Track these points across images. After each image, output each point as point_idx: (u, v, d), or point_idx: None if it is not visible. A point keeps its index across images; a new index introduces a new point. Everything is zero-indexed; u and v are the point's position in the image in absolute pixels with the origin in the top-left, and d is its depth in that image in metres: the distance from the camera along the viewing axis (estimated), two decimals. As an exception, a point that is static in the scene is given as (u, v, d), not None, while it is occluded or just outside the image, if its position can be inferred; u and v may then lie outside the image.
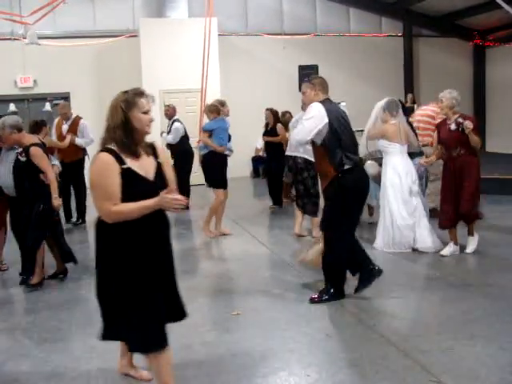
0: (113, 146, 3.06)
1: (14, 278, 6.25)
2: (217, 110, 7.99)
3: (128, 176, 3.02)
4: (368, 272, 5.22)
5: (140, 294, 3.07)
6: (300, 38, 15.83)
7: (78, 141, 9.04)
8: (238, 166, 12.76)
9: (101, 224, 3.12)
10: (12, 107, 13.65)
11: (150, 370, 3.58)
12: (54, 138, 9.30)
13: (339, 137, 5.00)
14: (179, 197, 3.01)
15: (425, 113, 8.61)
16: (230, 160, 8.26)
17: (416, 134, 7.57)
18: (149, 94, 3.18)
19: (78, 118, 9.25)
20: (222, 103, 8.36)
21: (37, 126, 7.36)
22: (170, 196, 2.97)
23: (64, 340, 4.57)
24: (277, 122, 10.15)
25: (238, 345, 4.26)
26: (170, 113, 10.55)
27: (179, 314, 3.35)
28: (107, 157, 3.03)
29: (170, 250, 3.30)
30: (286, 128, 9.61)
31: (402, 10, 16.77)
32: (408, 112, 9.06)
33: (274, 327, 4.59)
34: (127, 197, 3.00)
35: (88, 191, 9.12)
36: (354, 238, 5.23)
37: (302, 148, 7.11)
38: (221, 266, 6.85)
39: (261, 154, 14.65)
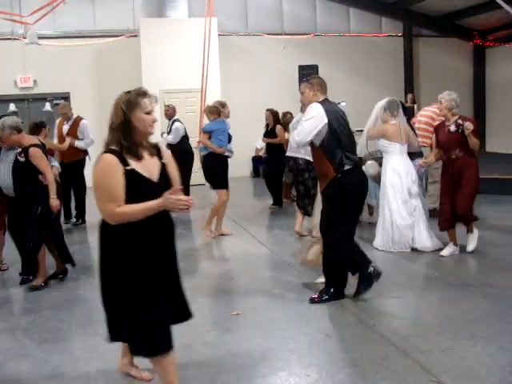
0: (116, 147, 3.03)
1: (14, 278, 6.25)
2: (217, 111, 7.99)
3: (132, 177, 2.99)
4: (366, 276, 5.19)
5: (144, 296, 3.05)
6: (300, 38, 15.83)
7: (78, 143, 9.04)
8: (238, 166, 12.76)
9: (104, 225, 3.09)
10: (12, 107, 13.66)
11: (153, 372, 3.58)
12: (55, 138, 9.31)
13: (339, 137, 5.00)
14: (184, 197, 2.98)
15: (426, 113, 8.60)
16: (230, 160, 8.26)
17: (416, 134, 7.57)
18: (152, 94, 3.15)
19: (78, 119, 9.25)
20: (223, 104, 8.36)
21: (36, 128, 7.37)
22: (175, 197, 2.94)
23: (64, 340, 4.57)
24: (276, 123, 10.14)
25: (238, 345, 4.26)
26: (170, 113, 10.56)
27: (184, 314, 3.33)
28: (111, 158, 3.00)
29: (174, 251, 3.27)
30: (287, 129, 9.61)
31: (402, 9, 16.77)
32: (408, 112, 9.07)
33: (274, 327, 4.59)
34: (131, 198, 2.97)
35: (89, 192, 9.22)
36: (353, 238, 5.22)
37: (303, 149, 7.12)
38: (221, 266, 6.85)
39: (261, 154, 14.65)
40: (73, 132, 9.11)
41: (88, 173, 9.19)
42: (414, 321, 4.76)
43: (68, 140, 8.92)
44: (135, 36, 14.36)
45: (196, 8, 14.29)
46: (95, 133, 9.24)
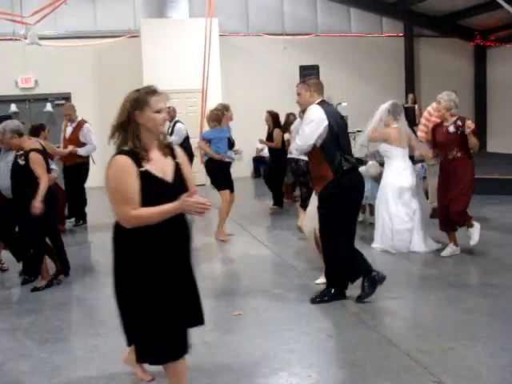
0: (128, 148, 2.93)
1: (14, 278, 6.26)
2: (218, 118, 7.96)
3: (146, 179, 2.89)
4: (371, 280, 5.15)
5: (156, 300, 2.95)
6: (301, 39, 15.82)
7: (80, 151, 9.04)
8: (239, 167, 12.76)
9: (118, 228, 2.99)
10: (13, 108, 13.67)
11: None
12: (61, 140, 9.34)
13: (338, 139, 4.98)
14: (202, 200, 2.88)
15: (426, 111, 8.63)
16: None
17: (417, 137, 7.58)
18: (162, 92, 3.03)
19: (82, 122, 9.25)
20: (227, 108, 8.32)
21: (36, 131, 7.34)
22: (192, 199, 2.85)
23: (65, 340, 4.58)
24: (275, 126, 10.09)
25: (238, 345, 4.26)
26: (171, 114, 10.57)
27: (196, 319, 3.23)
28: (124, 159, 2.89)
29: (189, 255, 3.16)
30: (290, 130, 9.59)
31: (402, 10, 16.76)
32: (409, 113, 9.08)
33: (275, 327, 4.60)
34: (146, 200, 2.87)
35: (90, 193, 9.23)
36: (353, 239, 5.21)
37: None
38: (222, 266, 6.86)
39: (261, 154, 14.66)
40: (75, 135, 9.12)
41: (92, 176, 9.35)
42: (415, 321, 4.77)
43: (70, 148, 8.92)
44: (136, 36, 14.36)
45: (197, 8, 14.29)
46: (96, 133, 9.26)
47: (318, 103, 5.08)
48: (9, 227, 6.12)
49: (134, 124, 2.94)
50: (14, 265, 6.50)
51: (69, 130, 9.23)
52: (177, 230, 3.03)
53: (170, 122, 10.57)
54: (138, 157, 2.90)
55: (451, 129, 6.31)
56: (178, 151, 3.16)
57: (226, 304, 5.24)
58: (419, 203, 6.90)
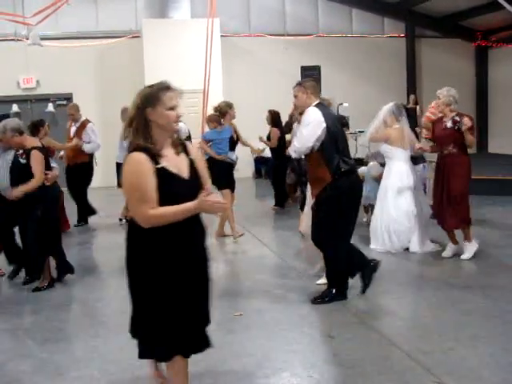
0: (144, 145, 2.86)
1: (15, 279, 6.25)
2: (217, 119, 7.95)
3: (163, 176, 2.82)
4: (370, 269, 5.20)
5: (169, 299, 2.92)
6: (302, 39, 15.82)
7: (85, 147, 9.05)
8: (240, 167, 12.73)
9: (133, 227, 2.92)
10: (15, 108, 13.68)
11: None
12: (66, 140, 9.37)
13: (336, 141, 4.98)
14: (220, 199, 2.86)
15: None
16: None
17: (418, 139, 7.57)
18: (176, 89, 2.96)
19: (86, 121, 9.27)
20: (230, 106, 8.30)
21: (35, 128, 7.32)
22: (212, 199, 2.79)
23: (66, 340, 4.58)
24: (274, 125, 10.06)
25: (240, 345, 4.26)
26: None
27: (205, 319, 3.18)
28: (140, 156, 2.82)
29: (205, 254, 3.10)
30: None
31: (404, 10, 16.74)
32: (411, 114, 9.06)
33: (277, 328, 4.59)
34: (163, 198, 2.80)
35: (92, 192, 9.23)
36: (349, 240, 5.21)
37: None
38: (223, 267, 6.85)
39: (263, 154, 14.63)
40: (79, 134, 9.13)
41: (96, 176, 9.35)
42: (416, 322, 4.76)
43: (75, 141, 8.94)
44: (138, 37, 14.37)
45: (198, 9, 14.29)
46: (98, 133, 9.27)
47: (315, 105, 5.08)
48: (8, 227, 6.09)
49: (146, 121, 2.88)
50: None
51: (73, 129, 9.27)
52: (193, 227, 2.97)
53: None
54: (154, 153, 2.84)
55: (448, 124, 6.29)
56: (191, 147, 3.10)
57: (228, 304, 5.23)
58: (419, 204, 6.89)
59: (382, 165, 7.39)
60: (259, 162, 15.26)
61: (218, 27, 13.47)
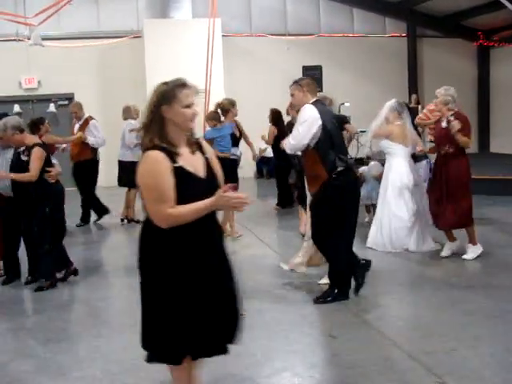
0: (161, 143, 2.79)
1: (17, 279, 6.26)
2: (215, 117, 7.94)
3: (180, 175, 2.75)
4: (362, 267, 5.22)
5: (179, 302, 2.83)
6: (304, 39, 15.82)
7: (89, 139, 9.07)
8: (242, 167, 12.76)
9: (147, 227, 2.86)
10: (16, 108, 13.69)
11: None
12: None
13: (332, 138, 4.98)
14: (240, 194, 2.78)
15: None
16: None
17: (420, 136, 7.57)
18: (192, 86, 2.88)
19: (89, 119, 9.31)
20: (233, 103, 8.30)
21: (34, 126, 7.32)
22: (230, 194, 2.73)
23: (68, 340, 4.58)
24: (274, 123, 10.04)
25: (242, 345, 4.24)
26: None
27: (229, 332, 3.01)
28: (157, 154, 2.74)
29: (223, 254, 3.02)
30: None
31: (405, 10, 16.74)
32: (413, 113, 9.05)
33: (278, 328, 4.59)
34: (180, 197, 2.73)
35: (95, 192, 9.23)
36: (352, 240, 5.21)
37: None
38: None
39: (264, 154, 14.64)
40: (82, 131, 9.15)
41: (107, 175, 9.34)
42: (417, 322, 4.76)
43: (79, 134, 8.97)
44: (139, 37, 14.37)
45: (200, 9, 14.30)
46: (101, 129, 9.30)
47: (312, 103, 5.08)
48: (13, 227, 6.09)
49: (162, 119, 2.81)
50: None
51: (76, 127, 9.30)
52: (209, 225, 2.90)
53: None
54: (171, 152, 2.78)
55: (444, 124, 6.27)
56: (206, 146, 3.04)
57: (229, 304, 5.23)
58: (421, 202, 6.89)
59: (383, 164, 7.41)
60: (261, 161, 15.25)
61: (220, 27, 13.47)
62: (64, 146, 9.11)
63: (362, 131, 10.34)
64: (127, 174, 9.24)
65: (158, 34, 13.64)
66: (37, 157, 5.69)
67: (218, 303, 2.91)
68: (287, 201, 10.23)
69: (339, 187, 4.93)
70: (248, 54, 15.39)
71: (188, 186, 2.77)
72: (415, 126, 7.59)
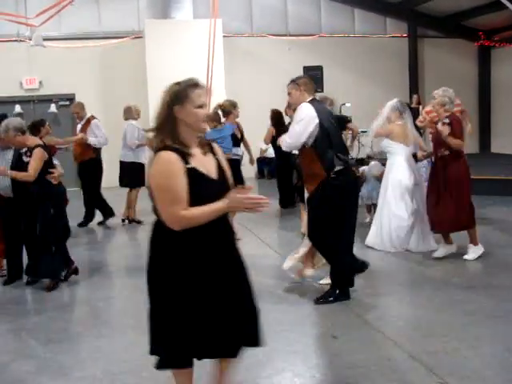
0: (173, 143, 2.74)
1: (18, 280, 6.26)
2: (215, 118, 7.94)
3: (193, 176, 2.71)
4: (357, 270, 5.26)
5: (186, 305, 2.77)
6: (305, 39, 15.82)
7: (91, 139, 9.07)
8: (243, 167, 12.76)
9: (158, 229, 2.81)
10: (18, 108, 13.71)
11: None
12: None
13: (330, 137, 4.97)
14: (255, 196, 2.74)
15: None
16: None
17: (421, 135, 7.56)
18: (204, 86, 2.84)
19: (90, 118, 9.31)
20: (234, 105, 8.29)
21: (35, 128, 7.32)
22: (244, 196, 2.69)
23: (70, 340, 4.58)
24: (274, 124, 10.03)
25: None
26: None
27: (248, 337, 2.97)
28: (170, 155, 2.70)
29: (236, 255, 2.95)
30: None
31: (406, 10, 16.74)
32: (414, 113, 9.05)
33: (279, 328, 4.59)
34: (193, 199, 2.68)
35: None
36: (352, 239, 5.21)
37: None
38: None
39: (265, 155, 14.65)
40: (84, 131, 9.17)
41: (108, 175, 9.33)
42: (419, 322, 4.75)
43: (80, 135, 8.98)
44: (140, 37, 14.38)
45: (201, 9, 14.30)
46: (103, 128, 9.30)
47: (308, 101, 5.07)
48: (13, 228, 6.08)
49: (174, 119, 2.77)
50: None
51: (78, 127, 9.33)
52: (221, 227, 2.85)
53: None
54: (183, 153, 2.73)
55: (439, 126, 6.27)
56: (217, 148, 2.99)
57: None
58: (421, 201, 6.89)
59: (384, 164, 7.40)
60: (262, 162, 15.26)
61: (221, 28, 13.48)
62: (67, 146, 9.12)
63: (362, 131, 10.34)
64: (128, 174, 9.26)
65: (159, 34, 13.64)
66: (37, 157, 5.70)
67: (232, 306, 2.86)
68: (288, 201, 10.23)
69: (339, 187, 4.93)
70: (249, 55, 15.39)
71: (201, 188, 2.73)
72: (417, 127, 7.58)
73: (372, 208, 8.19)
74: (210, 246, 2.80)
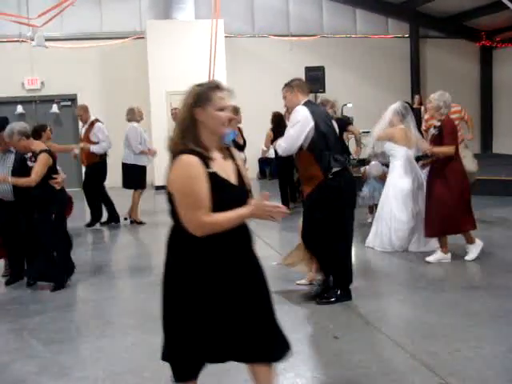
0: (195, 147, 2.64)
1: (20, 279, 6.27)
2: None
3: (215, 181, 2.62)
4: None
5: (199, 315, 2.70)
6: (306, 40, 15.83)
7: (93, 148, 9.07)
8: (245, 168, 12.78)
9: (176, 234, 2.72)
10: (19, 109, 13.73)
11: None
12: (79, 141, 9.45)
13: (326, 138, 4.96)
14: (277, 204, 2.67)
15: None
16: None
17: (423, 136, 7.56)
18: (226, 88, 2.74)
19: (94, 121, 9.31)
20: (237, 110, 8.26)
21: (36, 133, 7.29)
22: (269, 203, 2.62)
23: (71, 340, 4.59)
24: (274, 126, 10.01)
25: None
26: (176, 116, 10.56)
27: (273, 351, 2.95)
28: (191, 159, 2.60)
29: (255, 261, 2.91)
30: None
31: (408, 11, 16.73)
32: (416, 114, 9.04)
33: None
34: (213, 205, 2.60)
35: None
36: (351, 239, 5.21)
37: None
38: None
39: (267, 155, 14.64)
40: (87, 135, 9.18)
41: (111, 175, 9.35)
42: (421, 322, 4.75)
43: (81, 144, 8.99)
44: (142, 38, 14.40)
45: (202, 10, 14.32)
46: (106, 131, 9.31)
47: (303, 104, 5.07)
48: (14, 231, 6.06)
49: (195, 121, 2.67)
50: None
51: (82, 130, 9.35)
52: (241, 232, 2.79)
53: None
54: (205, 157, 2.64)
55: (432, 130, 6.26)
56: (236, 152, 2.91)
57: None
58: (422, 203, 6.88)
59: (384, 164, 7.39)
60: (264, 162, 15.27)
61: (222, 28, 13.50)
62: (76, 151, 9.07)
63: (364, 132, 10.34)
64: (131, 175, 9.28)
65: (160, 34, 13.67)
66: (42, 163, 5.69)
67: (251, 314, 2.83)
68: (291, 199, 10.23)
69: (336, 188, 4.92)
70: (251, 55, 15.40)
71: (222, 193, 2.65)
72: (418, 128, 7.59)
73: (374, 208, 8.19)
74: (231, 253, 2.74)
